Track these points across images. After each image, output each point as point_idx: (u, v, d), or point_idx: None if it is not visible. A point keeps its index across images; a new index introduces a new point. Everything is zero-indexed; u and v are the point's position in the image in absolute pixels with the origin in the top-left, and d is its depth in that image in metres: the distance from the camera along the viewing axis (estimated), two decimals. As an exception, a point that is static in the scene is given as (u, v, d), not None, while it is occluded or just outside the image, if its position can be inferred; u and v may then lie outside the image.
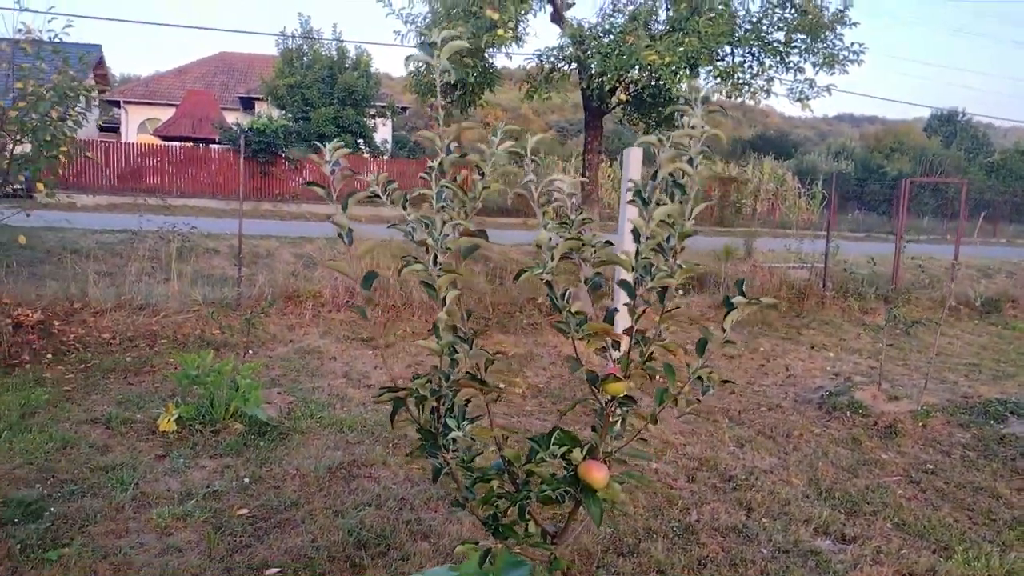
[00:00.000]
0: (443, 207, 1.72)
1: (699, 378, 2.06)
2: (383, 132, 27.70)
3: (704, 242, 16.02)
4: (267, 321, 7.92)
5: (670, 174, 1.78)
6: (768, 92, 8.90)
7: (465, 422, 1.77)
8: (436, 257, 1.71)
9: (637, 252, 1.65)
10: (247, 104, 30.38)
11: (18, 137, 6.36)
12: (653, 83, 8.87)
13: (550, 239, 1.70)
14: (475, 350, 1.78)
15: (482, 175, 1.84)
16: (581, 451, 1.90)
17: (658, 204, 1.63)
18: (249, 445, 4.67)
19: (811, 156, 45.31)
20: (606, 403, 1.92)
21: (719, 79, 8.49)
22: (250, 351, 7.05)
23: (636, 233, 1.64)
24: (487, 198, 1.86)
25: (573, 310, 1.83)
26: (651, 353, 1.83)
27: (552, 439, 1.84)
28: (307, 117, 23.00)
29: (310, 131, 22.56)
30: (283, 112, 23.22)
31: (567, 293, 1.75)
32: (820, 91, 9.41)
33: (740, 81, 8.69)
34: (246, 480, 4.15)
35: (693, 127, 1.72)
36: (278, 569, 3.23)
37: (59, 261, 8.37)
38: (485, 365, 2.02)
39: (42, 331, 6.95)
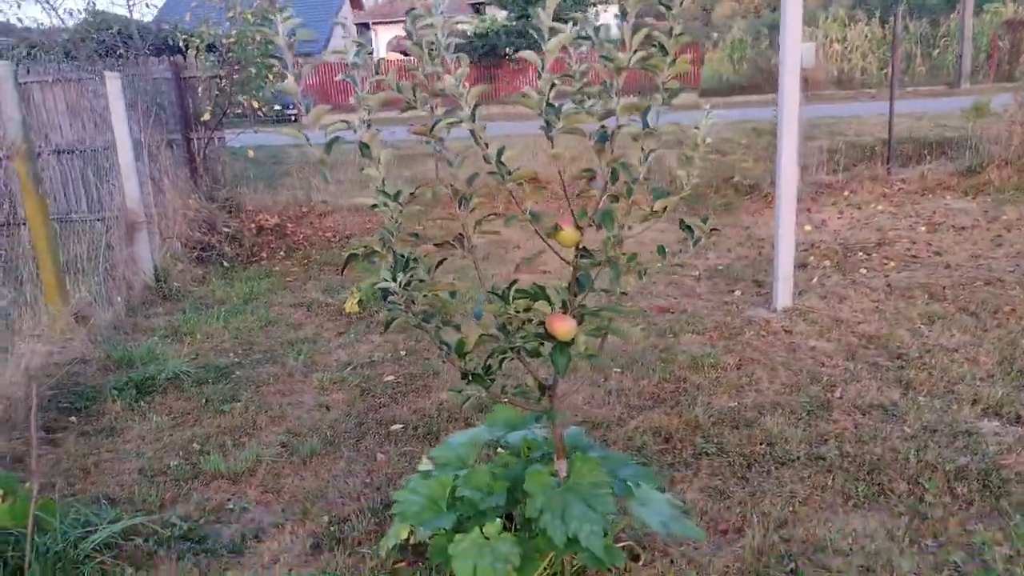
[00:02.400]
0: (360, 45, 1.77)
1: (687, 228, 1.94)
2: (606, 19, 26.96)
3: (956, 103, 13.71)
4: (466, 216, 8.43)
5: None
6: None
7: (402, 274, 1.87)
8: (365, 117, 1.78)
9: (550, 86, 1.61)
10: (477, 9, 31.12)
11: (237, 63, 7.28)
12: None
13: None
14: (393, 206, 1.85)
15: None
16: (551, 305, 1.92)
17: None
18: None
19: None
20: (573, 257, 1.90)
21: None
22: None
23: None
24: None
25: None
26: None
27: (513, 292, 1.88)
28: (527, 15, 23.07)
29: (530, 29, 22.67)
30: (507, 13, 23.50)
31: (501, 151, 1.73)
32: None
33: None
34: (402, 352, 4.63)
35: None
36: (402, 425, 3.62)
37: (293, 173, 9.55)
38: (474, 226, 2.08)
39: (277, 232, 8.11)
